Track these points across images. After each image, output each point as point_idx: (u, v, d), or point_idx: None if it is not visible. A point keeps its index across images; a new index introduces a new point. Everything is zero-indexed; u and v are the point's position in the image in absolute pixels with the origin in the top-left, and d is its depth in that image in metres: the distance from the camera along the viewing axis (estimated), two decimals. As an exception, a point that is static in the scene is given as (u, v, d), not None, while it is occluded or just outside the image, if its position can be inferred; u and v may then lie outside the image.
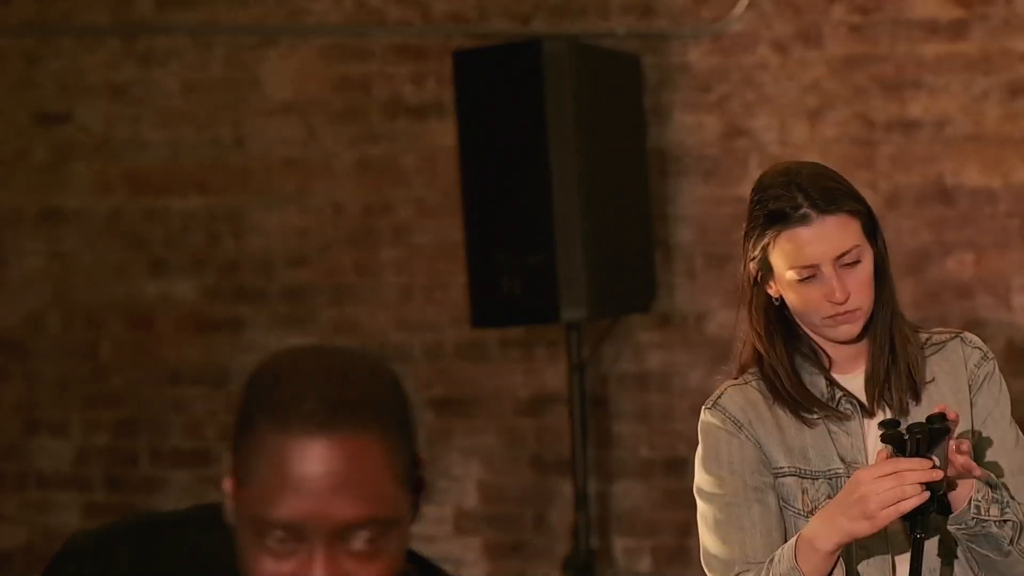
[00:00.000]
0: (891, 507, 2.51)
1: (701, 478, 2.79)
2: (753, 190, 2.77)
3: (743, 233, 2.77)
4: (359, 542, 1.61)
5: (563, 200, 4.67)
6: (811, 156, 4.93)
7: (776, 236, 2.70)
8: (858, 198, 2.75)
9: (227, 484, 1.68)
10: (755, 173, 5.07)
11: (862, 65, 5.07)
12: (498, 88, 4.74)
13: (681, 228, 5.25)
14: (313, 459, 1.59)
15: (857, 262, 2.71)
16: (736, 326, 2.85)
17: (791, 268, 2.70)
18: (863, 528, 2.55)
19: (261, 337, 5.63)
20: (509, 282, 4.70)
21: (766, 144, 5.15)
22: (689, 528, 2.76)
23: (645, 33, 5.26)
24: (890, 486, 2.50)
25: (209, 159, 5.68)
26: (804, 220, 2.68)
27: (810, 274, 2.69)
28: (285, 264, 5.61)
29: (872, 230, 2.75)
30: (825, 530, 2.59)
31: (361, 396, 1.64)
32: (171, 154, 5.70)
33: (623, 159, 4.99)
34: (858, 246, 2.71)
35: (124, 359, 5.76)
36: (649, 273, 5.05)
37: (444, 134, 5.31)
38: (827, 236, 2.68)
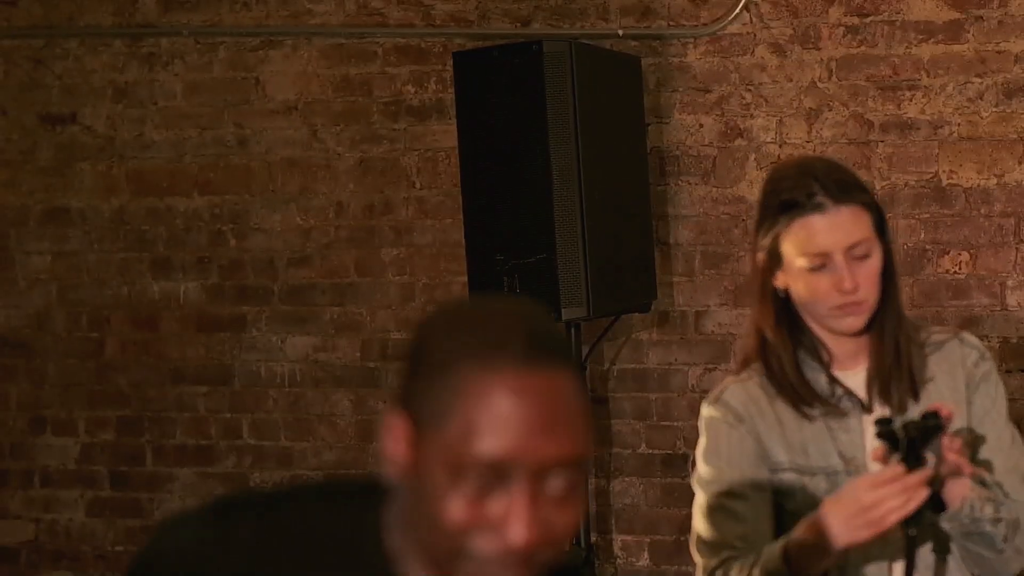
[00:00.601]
0: (897, 513, 2.52)
1: (701, 469, 2.80)
2: (766, 182, 2.78)
3: (754, 224, 2.77)
4: (556, 486, 1.63)
5: (563, 200, 4.66)
6: (809, 157, 4.97)
7: (789, 224, 2.70)
8: (870, 193, 2.76)
9: (395, 443, 1.67)
10: (753, 173, 5.13)
11: (859, 66, 5.09)
12: (498, 89, 4.71)
13: (680, 228, 5.27)
14: (519, 395, 1.60)
15: (867, 256, 2.71)
16: (736, 324, 2.86)
17: (802, 255, 2.70)
18: (865, 536, 2.56)
19: (263, 336, 5.65)
20: (509, 282, 4.69)
21: (764, 144, 5.17)
22: (687, 524, 2.79)
23: (644, 34, 5.28)
24: (896, 492, 2.52)
25: (212, 159, 5.69)
26: (818, 208, 2.68)
27: (821, 263, 2.69)
28: (287, 264, 5.63)
29: (881, 227, 2.76)
30: (823, 535, 2.58)
31: (555, 335, 1.67)
32: (175, 155, 5.72)
33: (623, 159, 4.98)
34: (869, 239, 2.71)
35: (128, 358, 5.78)
36: (649, 273, 5.04)
37: (445, 135, 5.33)
38: (840, 225, 2.68)
